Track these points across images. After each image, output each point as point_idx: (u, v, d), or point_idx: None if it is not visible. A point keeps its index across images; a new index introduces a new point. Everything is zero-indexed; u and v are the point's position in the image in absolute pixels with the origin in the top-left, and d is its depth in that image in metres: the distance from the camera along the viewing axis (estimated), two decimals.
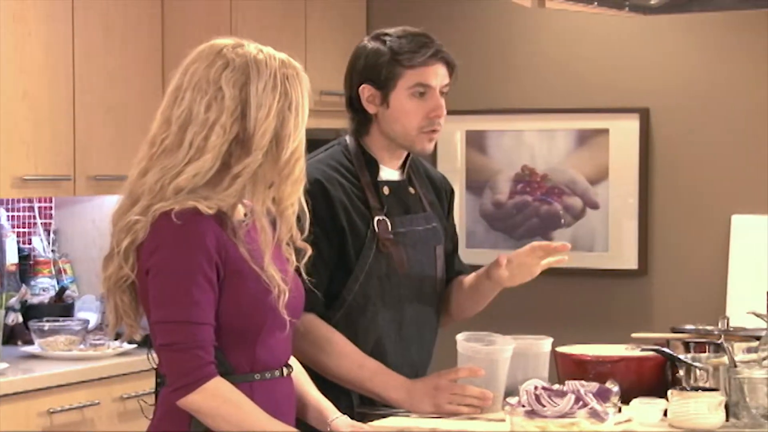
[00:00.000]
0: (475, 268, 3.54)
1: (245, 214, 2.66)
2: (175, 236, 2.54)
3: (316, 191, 3.06)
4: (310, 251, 2.72)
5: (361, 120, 3.18)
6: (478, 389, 3.01)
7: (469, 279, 3.33)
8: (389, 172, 3.21)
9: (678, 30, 5.13)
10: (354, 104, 3.18)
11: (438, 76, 3.13)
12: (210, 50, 2.64)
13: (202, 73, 2.61)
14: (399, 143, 3.16)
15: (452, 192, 3.41)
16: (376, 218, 3.13)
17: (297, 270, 2.73)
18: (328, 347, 3.06)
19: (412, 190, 3.25)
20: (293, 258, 2.69)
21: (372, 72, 3.13)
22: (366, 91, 3.14)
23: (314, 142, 3.56)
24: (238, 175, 2.58)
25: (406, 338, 3.18)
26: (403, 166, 3.24)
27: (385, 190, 3.18)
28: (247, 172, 2.57)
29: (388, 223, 3.14)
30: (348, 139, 3.21)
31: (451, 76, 3.17)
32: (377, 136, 3.18)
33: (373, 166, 3.18)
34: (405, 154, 3.24)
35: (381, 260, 3.12)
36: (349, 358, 3.07)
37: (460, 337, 3.11)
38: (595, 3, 4.03)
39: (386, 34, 3.16)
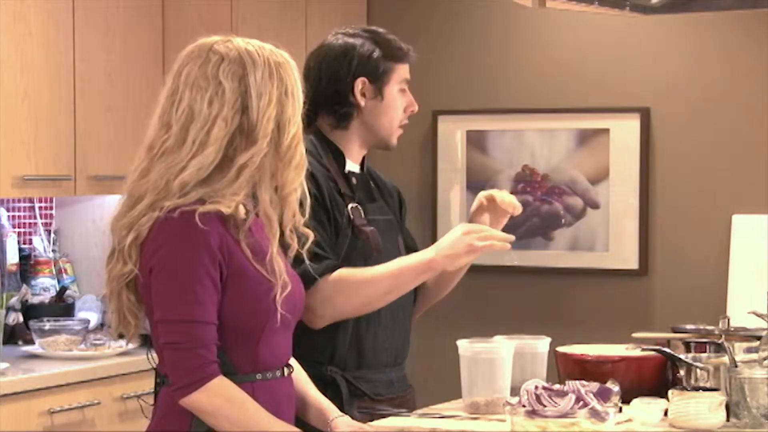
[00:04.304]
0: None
1: (246, 213, 2.67)
2: (179, 234, 2.54)
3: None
4: (312, 237, 2.74)
5: (344, 114, 3.23)
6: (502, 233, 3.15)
7: None
8: (353, 165, 3.28)
9: (679, 30, 5.13)
10: (341, 99, 3.21)
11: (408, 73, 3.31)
12: (200, 49, 2.66)
13: (198, 71, 2.62)
14: (379, 136, 3.25)
15: (399, 193, 3.45)
16: (350, 205, 3.18)
17: (298, 258, 2.75)
18: (360, 279, 3.08)
19: (372, 184, 3.33)
20: (295, 243, 2.70)
21: (368, 67, 3.21)
22: (360, 84, 3.20)
23: None
24: (245, 165, 2.59)
25: (383, 324, 3.20)
26: (361, 166, 3.31)
27: (353, 180, 3.25)
28: (253, 161, 2.59)
29: (361, 210, 3.20)
30: (311, 135, 3.24)
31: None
32: (357, 128, 3.24)
33: (339, 158, 3.23)
34: (365, 153, 3.30)
35: (356, 247, 3.16)
36: (376, 273, 3.09)
37: (461, 341, 3.11)
38: (596, 3, 4.02)
39: (368, 30, 3.27)
